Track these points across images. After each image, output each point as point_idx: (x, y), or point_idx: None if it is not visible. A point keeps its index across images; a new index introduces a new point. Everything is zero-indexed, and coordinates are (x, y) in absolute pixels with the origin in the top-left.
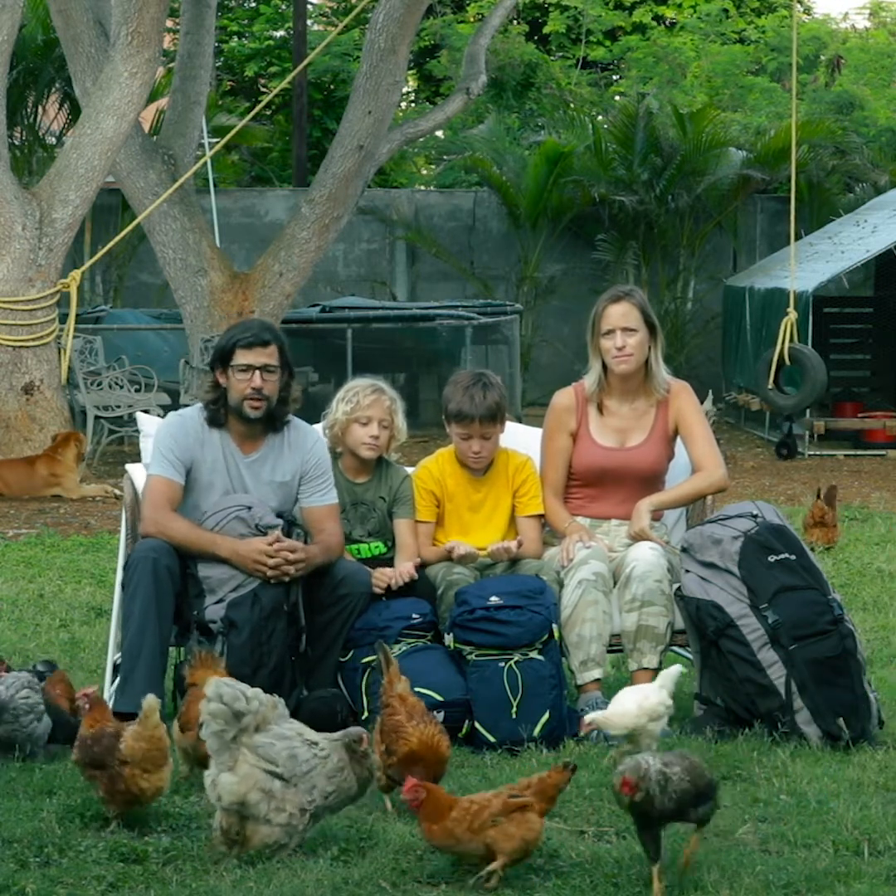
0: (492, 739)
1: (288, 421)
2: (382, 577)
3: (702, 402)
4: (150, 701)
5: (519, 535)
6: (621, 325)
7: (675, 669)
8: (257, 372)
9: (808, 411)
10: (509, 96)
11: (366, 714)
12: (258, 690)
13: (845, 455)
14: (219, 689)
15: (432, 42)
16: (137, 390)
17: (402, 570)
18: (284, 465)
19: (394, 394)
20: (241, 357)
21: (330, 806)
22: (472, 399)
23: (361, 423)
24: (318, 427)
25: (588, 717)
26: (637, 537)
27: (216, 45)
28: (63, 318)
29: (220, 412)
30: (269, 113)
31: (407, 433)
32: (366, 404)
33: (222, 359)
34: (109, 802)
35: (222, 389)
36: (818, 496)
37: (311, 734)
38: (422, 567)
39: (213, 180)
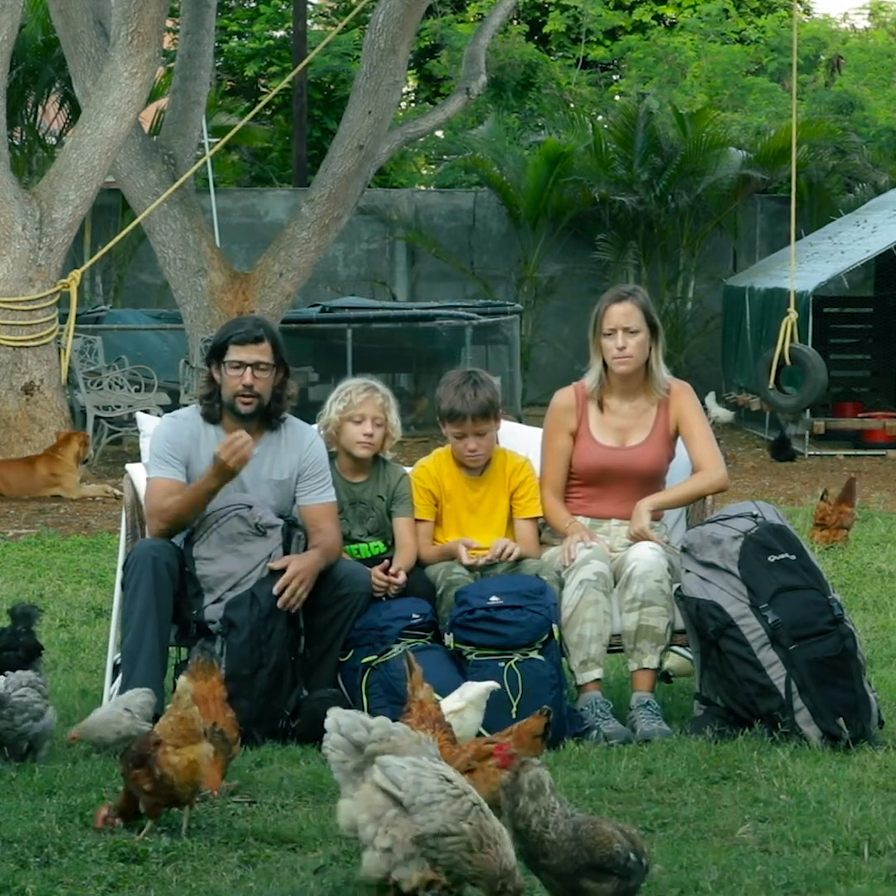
0: None
1: (284, 419)
2: (377, 582)
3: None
4: (182, 683)
5: (516, 537)
6: (623, 325)
7: (483, 686)
8: (249, 369)
9: (807, 411)
10: (509, 96)
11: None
12: (385, 721)
13: (845, 455)
14: (337, 719)
15: (432, 42)
16: (137, 390)
17: (390, 579)
18: (282, 463)
19: (387, 392)
20: (234, 353)
21: (444, 851)
22: (464, 397)
23: (355, 421)
24: (315, 427)
25: None
26: (637, 537)
27: (216, 45)
28: (63, 318)
29: (214, 408)
30: (269, 113)
31: (402, 432)
32: (358, 402)
33: (216, 354)
34: (152, 795)
35: (216, 385)
36: (822, 498)
37: (452, 773)
38: (421, 566)
39: (213, 180)
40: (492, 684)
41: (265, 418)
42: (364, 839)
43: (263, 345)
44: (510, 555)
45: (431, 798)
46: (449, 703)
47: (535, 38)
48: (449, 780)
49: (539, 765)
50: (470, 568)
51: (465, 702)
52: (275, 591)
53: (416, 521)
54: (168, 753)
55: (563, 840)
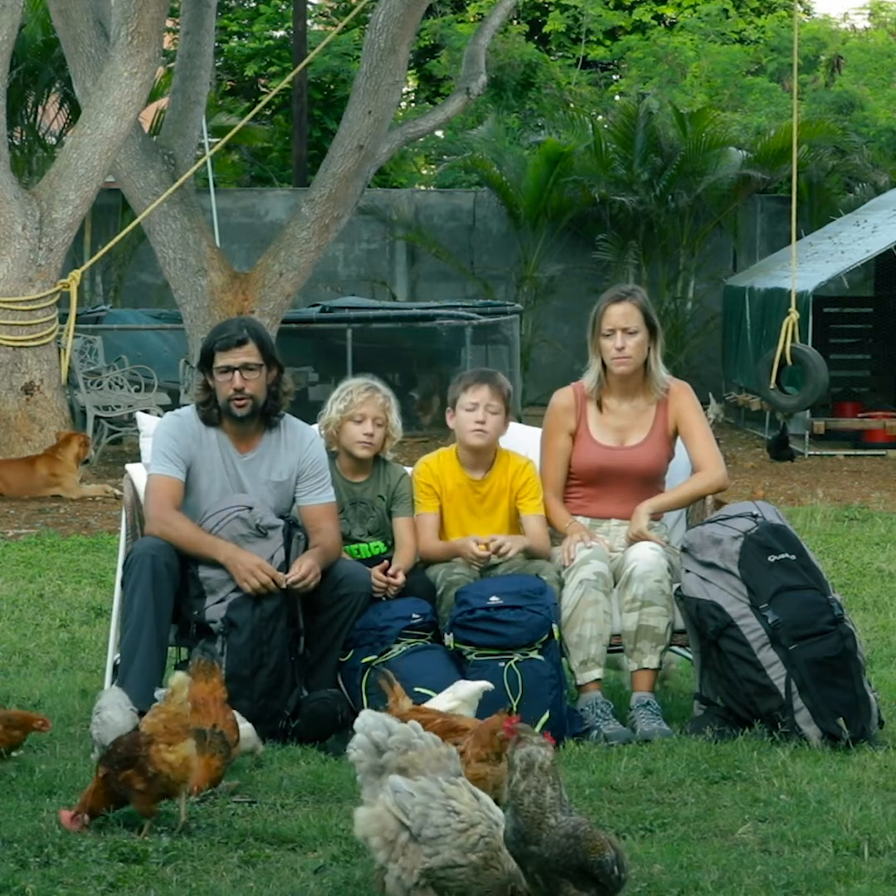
0: None
1: (283, 417)
2: (377, 583)
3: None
4: (180, 677)
5: (526, 533)
6: (622, 325)
7: (477, 685)
8: (237, 372)
9: (808, 411)
10: (509, 96)
11: None
12: (409, 729)
13: (845, 455)
14: (364, 718)
15: (432, 42)
16: (137, 390)
17: (390, 580)
18: (281, 464)
19: (388, 392)
20: (221, 359)
21: (455, 880)
22: (484, 373)
23: (356, 420)
24: (315, 427)
25: None
26: (635, 540)
27: (216, 45)
28: (63, 318)
29: (212, 412)
30: (269, 113)
31: (402, 432)
32: (359, 402)
33: (205, 361)
34: (145, 794)
35: (212, 391)
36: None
37: (463, 804)
38: (424, 562)
39: (213, 180)
40: (485, 684)
41: (263, 417)
42: (378, 862)
43: (248, 346)
44: (506, 553)
45: (437, 832)
46: (441, 702)
47: (535, 37)
48: (456, 813)
49: (539, 743)
50: (479, 561)
51: (457, 700)
52: (290, 582)
53: (421, 515)
54: (162, 751)
55: (561, 834)
